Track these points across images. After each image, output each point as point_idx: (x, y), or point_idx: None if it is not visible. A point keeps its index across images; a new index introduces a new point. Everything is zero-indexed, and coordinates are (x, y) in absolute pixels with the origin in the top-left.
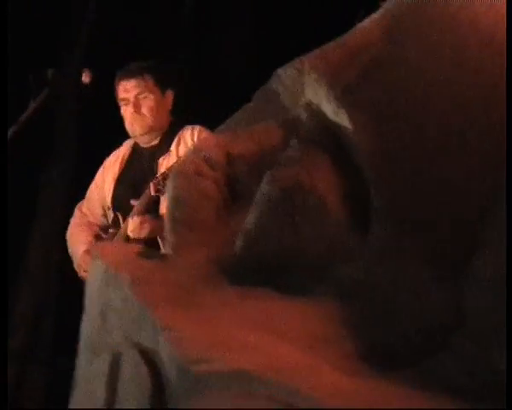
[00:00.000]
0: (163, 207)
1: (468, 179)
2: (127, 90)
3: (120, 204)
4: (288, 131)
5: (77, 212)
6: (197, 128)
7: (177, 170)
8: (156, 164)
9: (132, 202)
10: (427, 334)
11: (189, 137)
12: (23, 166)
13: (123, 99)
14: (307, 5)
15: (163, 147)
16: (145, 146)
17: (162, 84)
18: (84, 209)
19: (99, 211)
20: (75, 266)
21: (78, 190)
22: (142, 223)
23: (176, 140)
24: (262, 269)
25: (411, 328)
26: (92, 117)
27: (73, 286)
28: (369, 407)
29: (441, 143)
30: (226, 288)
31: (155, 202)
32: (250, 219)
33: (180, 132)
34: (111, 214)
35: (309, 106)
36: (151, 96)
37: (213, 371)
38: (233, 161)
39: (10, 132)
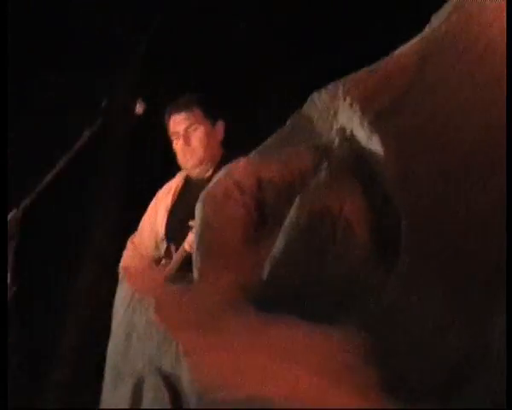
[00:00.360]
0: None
1: (486, 221)
2: (177, 123)
3: (173, 235)
4: (320, 156)
5: (129, 244)
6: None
7: (207, 193)
8: None
9: (191, 223)
10: (452, 369)
11: None
12: (73, 197)
13: (174, 133)
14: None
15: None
16: (198, 177)
17: (211, 115)
18: (137, 242)
19: (151, 243)
20: None
21: (127, 225)
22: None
23: None
24: (288, 296)
25: (437, 362)
26: (144, 148)
27: None
28: None
29: (463, 181)
30: (251, 314)
31: None
32: (278, 244)
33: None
34: (164, 246)
35: (342, 131)
36: (201, 128)
37: (232, 399)
38: (263, 186)
39: (64, 159)
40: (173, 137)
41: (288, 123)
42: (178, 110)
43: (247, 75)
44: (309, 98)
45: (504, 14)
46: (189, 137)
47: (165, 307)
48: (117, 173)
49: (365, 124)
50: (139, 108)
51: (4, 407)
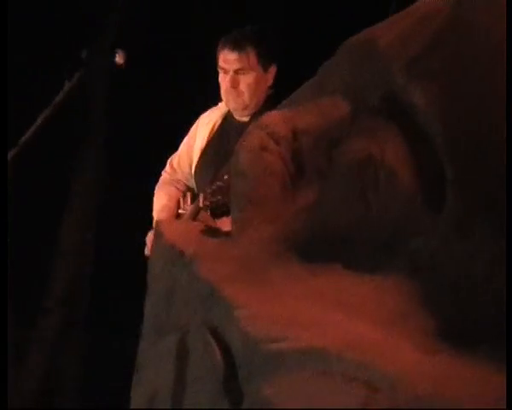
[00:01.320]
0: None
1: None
2: (227, 61)
3: (199, 176)
4: (355, 103)
5: (168, 166)
6: None
7: (242, 145)
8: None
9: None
10: (501, 309)
11: None
12: (56, 147)
13: (222, 68)
14: None
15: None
16: (237, 118)
17: (266, 59)
18: (175, 165)
19: (187, 169)
20: None
21: (109, 173)
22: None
23: None
24: (333, 244)
25: (490, 305)
26: (124, 99)
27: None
28: (444, 387)
29: (504, 112)
30: (295, 264)
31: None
32: (321, 193)
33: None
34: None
35: (376, 76)
36: (251, 74)
37: (288, 350)
38: (298, 136)
39: (45, 113)
40: (221, 71)
41: (319, 71)
42: (231, 48)
43: None
44: (341, 46)
45: None
46: (237, 80)
47: (207, 260)
48: (98, 126)
49: (402, 68)
50: (119, 59)
51: (4, 407)
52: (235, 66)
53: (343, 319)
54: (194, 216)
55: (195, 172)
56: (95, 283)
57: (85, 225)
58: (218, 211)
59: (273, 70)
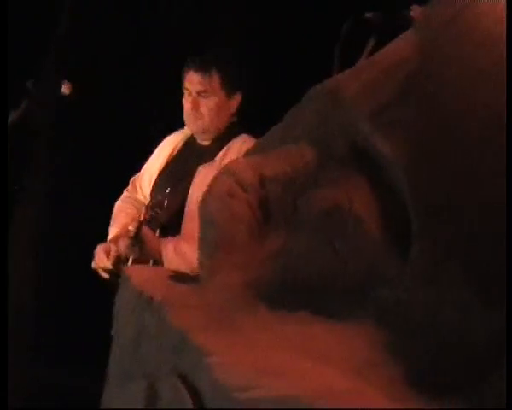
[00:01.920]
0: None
1: (504, 197)
2: (191, 82)
3: (155, 196)
4: (321, 151)
5: (130, 185)
6: (248, 142)
7: (210, 192)
8: (195, 170)
9: (130, 227)
10: (474, 356)
11: (237, 151)
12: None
13: (186, 88)
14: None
15: (212, 151)
16: (198, 143)
17: (230, 85)
18: (137, 184)
19: (148, 189)
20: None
21: (53, 205)
22: (131, 244)
23: (224, 150)
24: (301, 292)
25: (458, 350)
26: (70, 129)
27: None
28: None
29: (478, 159)
30: (264, 311)
31: (156, 222)
32: (289, 241)
33: (231, 142)
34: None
35: (342, 126)
36: (213, 98)
37: (260, 398)
38: (266, 183)
39: None
40: (185, 92)
41: (285, 117)
42: (196, 69)
43: None
44: (306, 93)
45: (500, 5)
46: (198, 102)
47: (176, 307)
48: (43, 155)
49: (366, 118)
50: (65, 89)
51: (4, 407)
52: (198, 87)
53: (313, 367)
54: (137, 230)
55: (152, 191)
56: (41, 309)
57: (30, 253)
58: (155, 224)
59: (238, 98)
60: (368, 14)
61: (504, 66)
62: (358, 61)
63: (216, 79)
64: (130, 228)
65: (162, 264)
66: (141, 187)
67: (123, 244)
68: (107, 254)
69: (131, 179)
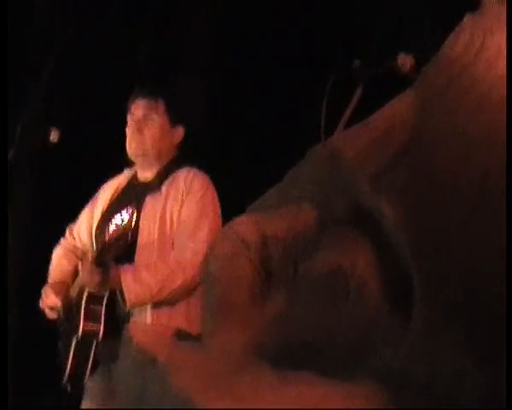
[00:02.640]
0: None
1: (503, 252)
2: (137, 106)
3: (99, 232)
4: (322, 212)
5: (67, 233)
6: (192, 172)
7: (213, 251)
8: (143, 201)
9: (90, 253)
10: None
11: (182, 181)
12: None
13: (131, 113)
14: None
15: (156, 184)
16: (141, 179)
17: (174, 115)
18: (74, 232)
19: (86, 236)
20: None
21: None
22: (91, 273)
23: (169, 180)
24: (303, 352)
25: (462, 405)
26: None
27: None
28: None
29: (474, 218)
30: (266, 372)
31: (115, 248)
32: (290, 304)
33: (175, 173)
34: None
35: (343, 188)
36: (158, 121)
37: None
38: (267, 242)
39: None
40: (129, 119)
41: (286, 177)
42: (143, 95)
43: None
44: (307, 153)
45: (498, 62)
46: (143, 124)
47: (179, 369)
48: (26, 200)
49: (367, 181)
50: (54, 136)
51: (4, 407)
52: (144, 111)
53: None
54: (101, 253)
55: (96, 229)
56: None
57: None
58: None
59: (181, 131)
60: (356, 63)
61: (497, 128)
62: (345, 110)
63: (161, 105)
64: (90, 255)
65: (120, 292)
66: (79, 235)
67: (83, 272)
68: (56, 293)
69: (68, 228)
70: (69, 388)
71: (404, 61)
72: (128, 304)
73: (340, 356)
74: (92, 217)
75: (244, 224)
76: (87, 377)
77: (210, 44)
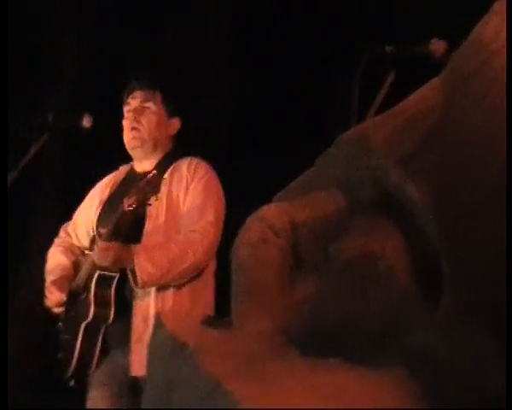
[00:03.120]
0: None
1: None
2: (134, 97)
3: (103, 226)
4: (351, 197)
5: (61, 232)
6: (195, 161)
7: (242, 238)
8: (161, 178)
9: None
10: (493, 401)
11: (186, 168)
12: (19, 206)
13: (127, 104)
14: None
15: (158, 172)
16: (139, 170)
17: (170, 107)
18: (70, 230)
19: (83, 233)
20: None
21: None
22: (106, 249)
23: (171, 168)
24: (331, 337)
25: (477, 398)
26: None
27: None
28: None
29: (499, 207)
30: (294, 358)
31: (128, 224)
32: (320, 288)
33: (177, 162)
34: (91, 236)
35: (371, 173)
36: (155, 110)
37: None
38: (297, 229)
39: (12, 175)
40: (125, 110)
41: (315, 164)
42: (140, 87)
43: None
44: (335, 141)
45: None
46: (140, 113)
47: (209, 354)
48: (54, 190)
49: (395, 165)
50: (86, 122)
51: (4, 406)
52: (141, 99)
53: None
54: (117, 227)
55: (96, 228)
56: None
57: (36, 289)
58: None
59: (176, 122)
60: (388, 48)
61: None
62: (377, 94)
63: (158, 96)
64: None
65: (131, 271)
66: (76, 233)
67: (96, 251)
68: (60, 289)
69: (63, 227)
70: (72, 382)
71: (437, 45)
72: (140, 283)
73: (366, 340)
74: (90, 214)
75: (272, 211)
76: (93, 365)
77: (225, 41)
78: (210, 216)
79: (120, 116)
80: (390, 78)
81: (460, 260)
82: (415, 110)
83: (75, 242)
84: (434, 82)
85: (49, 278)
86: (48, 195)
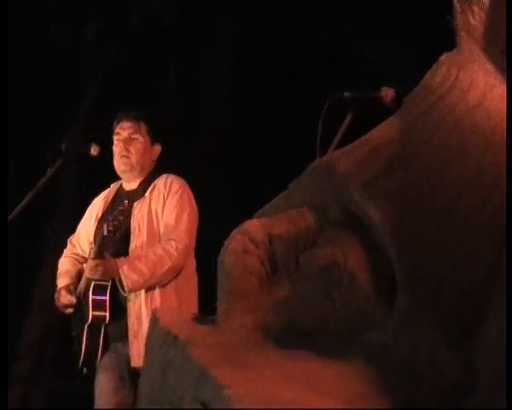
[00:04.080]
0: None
1: (472, 253)
2: (123, 128)
3: (99, 234)
4: (319, 215)
5: (68, 243)
6: (170, 177)
7: (227, 248)
8: (131, 206)
9: (92, 246)
10: (443, 393)
11: (162, 185)
12: (36, 221)
13: (117, 133)
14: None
15: (140, 192)
16: (127, 189)
17: (153, 135)
18: (74, 241)
19: (85, 244)
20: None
21: None
22: (96, 265)
23: (151, 187)
24: (302, 334)
25: (430, 387)
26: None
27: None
28: None
29: (448, 224)
30: (271, 350)
31: (113, 243)
32: (292, 292)
33: (156, 181)
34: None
35: (337, 195)
36: (141, 140)
37: None
38: (273, 241)
39: (30, 195)
40: (115, 138)
41: (289, 187)
42: (128, 119)
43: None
44: (308, 167)
45: (469, 93)
46: (129, 143)
47: (198, 345)
48: (70, 206)
49: (359, 189)
50: (94, 151)
51: (4, 406)
52: (129, 131)
53: (314, 398)
54: (101, 247)
55: (94, 234)
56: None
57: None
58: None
59: (157, 148)
60: (346, 94)
61: (469, 151)
62: (337, 133)
63: (143, 127)
64: (91, 247)
65: (119, 281)
66: (79, 243)
67: (88, 267)
68: (70, 292)
69: (69, 239)
70: (85, 370)
71: (387, 92)
72: (126, 290)
73: (333, 336)
74: (89, 226)
75: (253, 225)
76: (99, 357)
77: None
78: (183, 226)
79: None
80: (347, 118)
81: (411, 270)
82: (377, 142)
83: (79, 251)
84: (392, 119)
85: (60, 283)
86: (63, 209)
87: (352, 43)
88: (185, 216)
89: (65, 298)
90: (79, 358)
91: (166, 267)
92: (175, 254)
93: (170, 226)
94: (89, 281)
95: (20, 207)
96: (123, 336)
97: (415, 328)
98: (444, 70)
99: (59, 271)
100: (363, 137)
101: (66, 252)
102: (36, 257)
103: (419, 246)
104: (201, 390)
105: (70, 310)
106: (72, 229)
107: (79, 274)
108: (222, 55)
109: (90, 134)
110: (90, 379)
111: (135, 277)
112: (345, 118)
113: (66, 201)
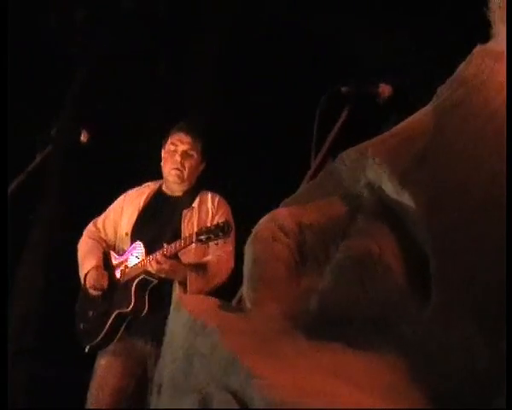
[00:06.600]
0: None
1: (498, 251)
2: (182, 141)
3: (140, 235)
4: (350, 205)
5: (91, 226)
6: (216, 197)
7: (256, 235)
8: (181, 213)
9: (165, 245)
10: (475, 378)
11: (210, 201)
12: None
13: (175, 144)
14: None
15: (185, 200)
16: (169, 193)
17: (204, 153)
18: (99, 225)
19: (111, 231)
20: (81, 273)
21: (61, 231)
22: (170, 265)
23: (198, 200)
24: (333, 323)
25: (466, 378)
26: (83, 171)
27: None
28: None
29: (481, 217)
30: (302, 340)
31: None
32: (323, 282)
33: (200, 194)
34: (128, 241)
35: (370, 185)
36: (195, 157)
37: None
38: (303, 230)
39: (19, 180)
40: (172, 148)
41: (318, 176)
42: (188, 133)
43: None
44: (338, 156)
45: (498, 98)
46: (185, 158)
47: (227, 332)
48: (60, 193)
49: (394, 179)
50: (84, 138)
51: (4, 406)
52: (188, 147)
53: (344, 389)
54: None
55: (132, 233)
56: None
57: (38, 270)
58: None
59: (204, 165)
60: (343, 88)
61: (503, 140)
62: (334, 127)
63: (199, 144)
64: (165, 246)
65: (180, 283)
66: (104, 228)
67: (157, 263)
68: (102, 275)
69: (93, 221)
70: (87, 349)
71: (384, 89)
72: (189, 292)
73: (365, 328)
74: (120, 218)
75: (282, 213)
76: (113, 343)
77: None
78: (229, 246)
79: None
80: (344, 113)
81: (446, 263)
82: (410, 132)
83: (103, 235)
84: (426, 109)
85: (87, 263)
86: (48, 194)
87: (350, 37)
88: (232, 237)
89: (96, 281)
90: (91, 338)
91: (224, 278)
92: (227, 270)
93: (219, 244)
94: (138, 272)
95: (10, 190)
96: (146, 334)
97: (448, 322)
98: (478, 61)
99: (83, 251)
100: (396, 127)
101: (90, 234)
102: (20, 243)
103: (453, 238)
104: (231, 378)
105: (97, 293)
106: (60, 216)
107: (105, 257)
108: (211, 48)
109: (80, 120)
110: (73, 365)
111: (199, 284)
112: (342, 113)
113: (54, 187)
